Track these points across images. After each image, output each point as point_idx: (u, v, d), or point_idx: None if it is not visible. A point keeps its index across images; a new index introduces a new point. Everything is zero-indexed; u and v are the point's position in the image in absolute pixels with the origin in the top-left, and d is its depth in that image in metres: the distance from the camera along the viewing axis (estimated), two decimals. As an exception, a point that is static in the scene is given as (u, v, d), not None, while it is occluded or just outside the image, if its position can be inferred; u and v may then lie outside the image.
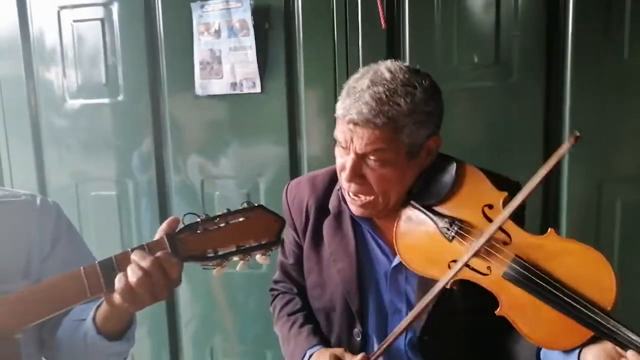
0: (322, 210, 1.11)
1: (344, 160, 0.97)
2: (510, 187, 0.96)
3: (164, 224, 0.82)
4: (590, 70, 1.54)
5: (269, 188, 1.82)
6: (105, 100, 1.92)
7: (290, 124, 1.79)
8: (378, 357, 0.96)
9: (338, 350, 1.03)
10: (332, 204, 1.10)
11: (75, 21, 1.91)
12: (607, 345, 0.79)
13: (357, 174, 0.95)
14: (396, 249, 1.01)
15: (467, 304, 0.98)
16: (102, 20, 1.88)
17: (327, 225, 1.10)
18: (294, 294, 1.21)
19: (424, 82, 0.95)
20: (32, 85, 2.00)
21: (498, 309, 0.89)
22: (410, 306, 1.03)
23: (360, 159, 0.95)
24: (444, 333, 0.99)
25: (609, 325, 0.79)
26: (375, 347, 1.06)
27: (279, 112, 1.78)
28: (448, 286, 0.92)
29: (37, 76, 1.99)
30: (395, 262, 1.04)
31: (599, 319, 0.80)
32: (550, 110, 1.59)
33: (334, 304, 1.09)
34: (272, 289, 1.27)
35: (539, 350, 0.90)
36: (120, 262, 0.80)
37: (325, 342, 1.11)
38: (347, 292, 1.06)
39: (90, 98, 1.94)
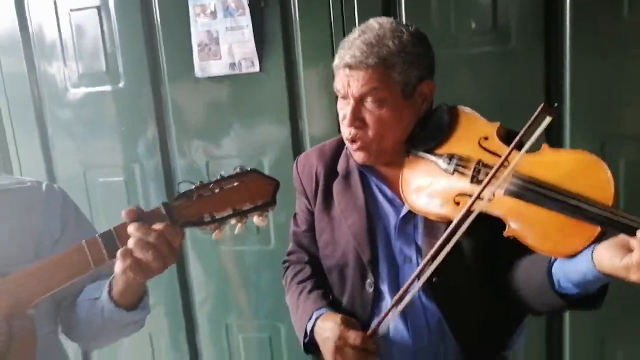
0: (331, 173, 1.16)
1: (344, 111, 1.03)
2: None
3: (124, 214, 0.84)
4: (590, 30, 1.52)
5: (273, 166, 1.84)
6: (107, 88, 1.94)
7: (290, 101, 1.80)
8: (402, 297, 0.99)
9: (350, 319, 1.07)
10: (341, 166, 1.15)
11: (72, 10, 1.91)
12: (616, 237, 0.81)
13: (357, 118, 1.02)
14: (402, 197, 1.05)
15: (472, 239, 1.00)
16: (98, 8, 1.88)
17: (336, 186, 1.14)
18: (305, 262, 1.24)
19: (410, 27, 1.03)
20: (34, 78, 2.03)
21: (506, 231, 0.92)
22: (420, 253, 1.06)
23: (359, 102, 1.01)
24: (453, 274, 1.01)
25: (612, 217, 0.83)
26: (387, 297, 1.09)
27: (279, 90, 1.78)
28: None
29: (39, 69, 2.01)
30: (404, 211, 1.07)
31: (602, 213, 0.84)
32: (550, 73, 1.58)
33: (347, 259, 1.13)
34: (284, 262, 1.30)
35: (550, 274, 0.91)
36: (120, 234, 0.84)
37: (334, 306, 1.14)
38: (359, 244, 1.10)
39: (92, 86, 1.96)
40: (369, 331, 1.03)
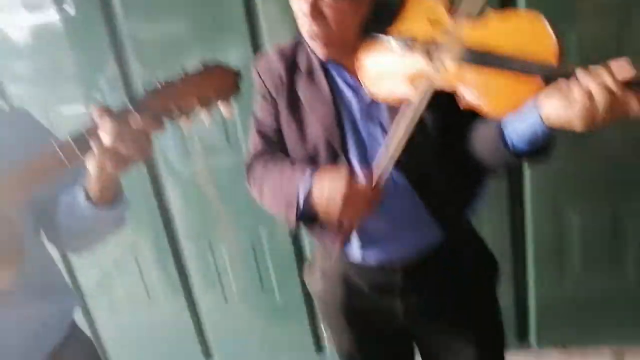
0: (293, 72, 1.17)
1: (302, 8, 1.02)
2: None
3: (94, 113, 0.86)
4: None
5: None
6: (56, 16, 1.88)
7: (248, 19, 1.78)
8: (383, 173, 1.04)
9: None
10: (302, 63, 1.16)
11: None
12: (557, 85, 0.85)
13: (317, 12, 1.01)
14: (361, 82, 1.08)
15: (432, 116, 1.04)
16: None
17: (301, 84, 1.16)
18: (273, 151, 1.24)
19: None
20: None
21: (460, 102, 0.96)
22: (385, 132, 1.10)
23: None
24: (417, 147, 1.05)
25: (555, 69, 0.87)
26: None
27: (236, 7, 1.76)
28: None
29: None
30: (368, 99, 1.11)
31: (547, 69, 0.87)
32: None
33: (318, 150, 1.16)
34: (249, 164, 1.30)
35: (502, 137, 0.96)
36: (91, 133, 0.86)
37: None
38: (329, 133, 1.13)
39: (39, 12, 1.89)
40: (374, 182, 1.05)
